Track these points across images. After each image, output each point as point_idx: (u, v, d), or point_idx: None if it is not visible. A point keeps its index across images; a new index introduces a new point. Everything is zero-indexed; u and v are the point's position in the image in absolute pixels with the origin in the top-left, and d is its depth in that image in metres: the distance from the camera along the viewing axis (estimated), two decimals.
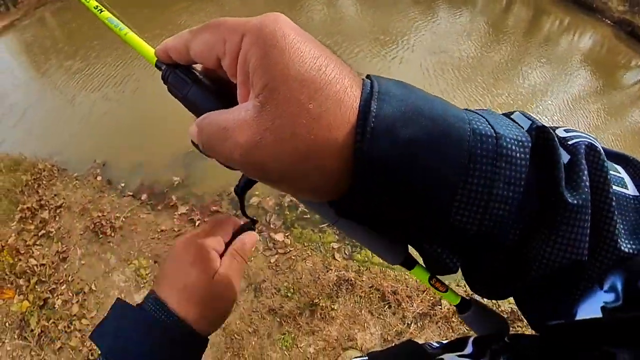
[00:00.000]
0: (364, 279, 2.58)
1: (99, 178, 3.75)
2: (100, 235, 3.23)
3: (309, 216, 3.04)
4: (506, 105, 4.18)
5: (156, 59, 0.32)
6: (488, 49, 4.93)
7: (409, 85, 0.26)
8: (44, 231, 3.36)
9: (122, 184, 3.64)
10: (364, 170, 0.23)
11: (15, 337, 2.81)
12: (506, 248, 0.27)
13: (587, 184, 0.26)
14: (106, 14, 0.40)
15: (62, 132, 4.51)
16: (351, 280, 2.55)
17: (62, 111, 4.91)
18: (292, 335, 2.41)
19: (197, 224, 3.25)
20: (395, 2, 6.01)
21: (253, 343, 2.43)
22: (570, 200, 0.25)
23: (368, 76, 0.26)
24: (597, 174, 0.27)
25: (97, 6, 0.41)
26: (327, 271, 2.66)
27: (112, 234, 3.23)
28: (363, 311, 2.45)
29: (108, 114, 4.57)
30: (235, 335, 2.47)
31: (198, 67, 0.32)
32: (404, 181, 0.23)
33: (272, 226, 3.07)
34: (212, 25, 0.26)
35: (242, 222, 0.50)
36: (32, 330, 2.73)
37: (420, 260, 0.34)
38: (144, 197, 3.49)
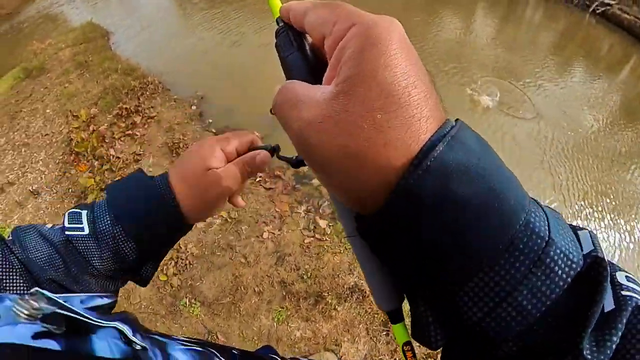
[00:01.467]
0: None
1: (193, 107, 4.00)
2: (174, 154, 3.42)
3: None
4: (597, 200, 3.75)
5: (278, 14, 0.35)
6: (611, 130, 4.46)
7: (487, 146, 0.25)
8: (131, 132, 3.64)
9: (210, 120, 3.84)
10: (399, 199, 0.23)
11: (72, 203, 3.04)
12: (497, 356, 0.24)
13: (615, 346, 0.22)
14: None
15: (176, 57, 4.92)
16: (365, 293, 2.45)
17: (181, 38, 5.39)
18: (288, 313, 2.40)
19: (256, 180, 3.31)
20: (533, 43, 5.62)
21: (252, 301, 2.46)
22: (586, 356, 0.21)
23: (457, 120, 0.26)
24: (633, 342, 0.22)
25: None
26: (349, 274, 2.58)
27: None
28: (361, 325, 2.35)
29: (223, 55, 4.89)
30: (242, 287, 2.52)
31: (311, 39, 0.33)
32: (433, 230, 0.22)
33: (320, 211, 3.04)
34: (332, 4, 0.27)
35: (262, 144, 0.55)
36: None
37: (408, 320, 0.31)
38: None
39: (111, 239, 0.48)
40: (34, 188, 3.43)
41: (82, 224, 0.48)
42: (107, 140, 3.52)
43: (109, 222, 0.48)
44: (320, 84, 0.27)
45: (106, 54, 5.51)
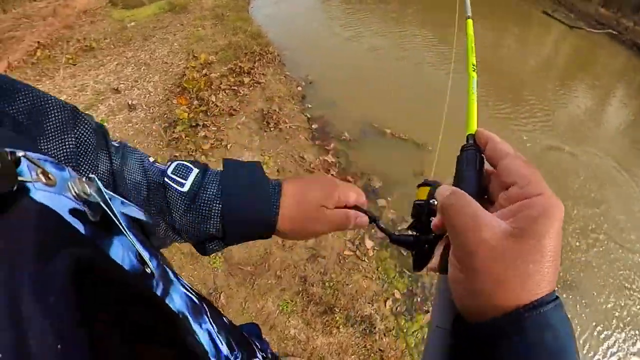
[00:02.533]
0: (383, 340, 2.29)
1: (299, 88, 4.06)
2: (263, 122, 3.48)
3: (405, 254, 2.77)
4: None
5: (473, 133, 0.42)
6: None
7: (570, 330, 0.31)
8: (236, 88, 3.77)
9: (309, 105, 3.86)
10: (511, 321, 0.30)
11: (161, 127, 3.21)
12: None
13: None
14: (474, 74, 0.54)
15: (303, 38, 5.08)
16: (377, 330, 2.29)
17: (314, 24, 5.56)
18: (294, 308, 2.32)
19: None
20: None
21: (269, 282, 2.42)
22: None
23: (557, 298, 0.31)
24: None
25: (474, 66, 0.56)
26: (368, 303, 2.43)
27: (271, 129, 3.44)
28: (354, 356, 2.21)
29: (347, 53, 4.94)
30: (267, 265, 2.49)
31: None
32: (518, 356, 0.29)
33: (372, 232, 2.89)
34: (533, 167, 0.35)
35: (366, 209, 0.58)
36: (172, 132, 3.09)
37: None
38: (314, 125, 3.64)
39: (206, 210, 0.49)
40: (132, 103, 3.71)
41: (186, 180, 0.50)
42: (212, 87, 3.68)
43: (213, 195, 0.50)
44: (477, 200, 0.34)
45: (242, 14, 5.86)
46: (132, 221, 0.41)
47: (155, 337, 0.34)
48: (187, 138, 3.14)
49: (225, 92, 3.67)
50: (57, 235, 0.27)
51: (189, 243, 0.55)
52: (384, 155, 3.51)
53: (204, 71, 3.83)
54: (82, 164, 0.42)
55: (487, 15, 6.42)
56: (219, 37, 4.90)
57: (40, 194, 0.28)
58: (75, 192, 0.31)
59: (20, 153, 0.27)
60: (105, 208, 0.33)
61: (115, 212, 0.33)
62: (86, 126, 0.44)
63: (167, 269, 0.43)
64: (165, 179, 0.49)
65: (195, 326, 0.42)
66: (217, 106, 3.46)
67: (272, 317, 2.28)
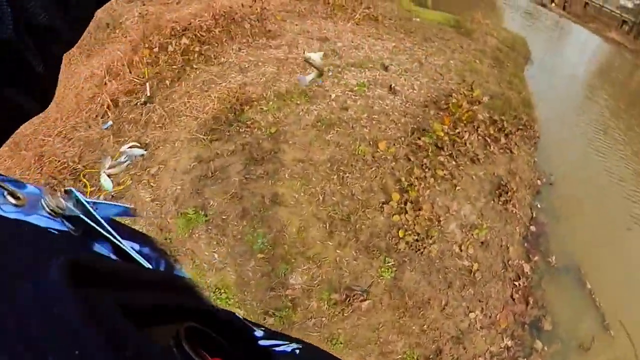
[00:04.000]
0: None
1: (538, 181, 3.67)
2: (495, 190, 3.20)
3: None
4: None
5: None
6: None
7: None
8: (488, 140, 3.54)
9: (538, 204, 3.45)
10: None
11: (408, 125, 3.15)
12: None
13: None
14: None
15: (567, 134, 4.57)
16: None
17: (590, 129, 4.94)
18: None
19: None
20: None
21: None
22: None
23: None
24: None
25: None
26: None
27: (499, 202, 3.15)
28: None
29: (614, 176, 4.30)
30: None
31: None
32: None
33: None
34: None
35: None
36: (416, 138, 3.02)
37: None
38: (532, 227, 3.23)
39: None
40: (395, 87, 3.77)
41: None
42: (472, 124, 3.51)
43: None
44: None
45: (519, 72, 5.56)
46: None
47: (166, 315, 0.31)
48: (426, 152, 3.05)
49: (479, 137, 3.47)
50: (41, 246, 0.28)
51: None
52: (575, 306, 2.96)
53: (472, 106, 3.67)
54: None
55: None
56: (492, 81, 4.70)
57: (11, 215, 0.28)
58: (49, 209, 0.31)
59: None
60: (88, 221, 0.33)
61: (104, 224, 0.34)
62: None
63: (169, 259, 0.44)
64: None
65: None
66: (464, 144, 3.29)
67: None
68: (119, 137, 3.17)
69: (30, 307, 0.21)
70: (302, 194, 2.68)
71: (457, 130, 3.31)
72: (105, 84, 3.56)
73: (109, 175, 2.89)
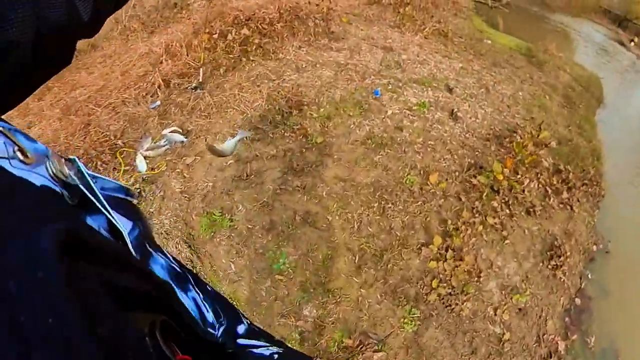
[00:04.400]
0: None
1: (594, 247, 3.16)
2: (546, 252, 2.75)
3: None
4: None
5: None
6: None
7: None
8: (548, 192, 3.06)
9: (589, 274, 2.97)
10: None
11: (464, 160, 2.76)
12: None
13: None
14: None
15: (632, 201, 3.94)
16: None
17: None
18: None
19: None
20: None
21: None
22: None
23: None
24: None
25: None
26: None
27: (548, 266, 2.70)
28: None
29: None
30: None
31: None
32: None
33: None
34: None
35: None
36: (471, 175, 2.63)
37: None
38: (577, 300, 2.76)
39: None
40: (457, 113, 3.35)
41: None
42: (534, 171, 3.05)
43: None
44: None
45: (589, 115, 4.91)
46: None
47: (144, 303, 0.31)
48: (479, 193, 2.65)
49: (539, 186, 3.01)
50: (40, 208, 0.27)
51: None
52: None
53: (537, 149, 3.20)
54: None
55: None
56: (561, 122, 4.15)
57: (16, 171, 0.28)
58: (52, 172, 0.30)
59: None
60: (87, 193, 0.32)
61: (101, 199, 0.33)
62: None
63: (146, 243, 0.42)
64: None
65: (180, 294, 0.41)
66: (523, 192, 2.85)
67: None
68: (164, 119, 3.00)
69: (15, 267, 0.20)
70: (336, 217, 2.38)
71: (518, 176, 2.86)
72: (161, 62, 3.40)
73: (145, 157, 2.72)
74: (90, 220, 0.33)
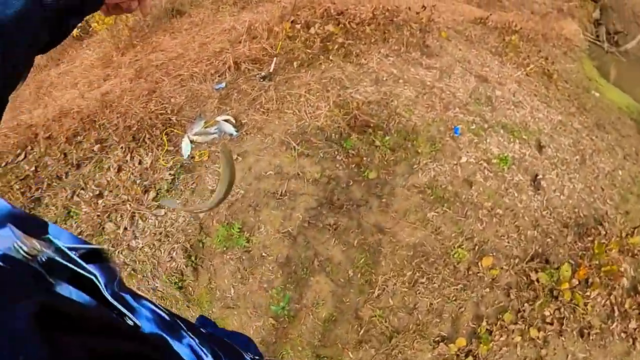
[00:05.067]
0: None
1: None
2: None
3: None
4: None
5: None
6: None
7: None
8: None
9: None
10: None
11: (533, 246, 2.16)
12: None
13: None
14: None
15: None
16: None
17: None
18: None
19: None
20: None
21: None
22: None
23: None
24: None
25: None
26: None
27: None
28: None
29: None
30: None
31: None
32: None
33: None
34: None
35: None
36: (530, 270, 2.03)
37: None
38: None
39: None
40: (539, 181, 2.68)
41: None
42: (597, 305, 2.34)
43: None
44: None
45: None
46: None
47: None
48: (534, 293, 2.06)
49: (606, 304, 2.32)
50: (14, 285, 0.25)
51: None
52: None
53: (621, 256, 2.47)
54: None
55: None
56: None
57: None
58: (24, 252, 0.28)
59: None
60: (73, 267, 0.31)
61: (81, 263, 0.32)
62: None
63: (127, 295, 0.39)
64: None
65: (174, 343, 0.39)
66: (584, 308, 2.20)
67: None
68: (223, 103, 2.72)
69: None
70: (358, 275, 1.97)
71: (587, 289, 2.21)
72: (240, 42, 3.08)
73: (191, 141, 2.47)
74: (60, 288, 0.30)
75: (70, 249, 0.31)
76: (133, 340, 0.31)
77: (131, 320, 0.35)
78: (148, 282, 1.98)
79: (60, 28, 0.47)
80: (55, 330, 0.21)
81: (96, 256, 0.38)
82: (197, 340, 0.42)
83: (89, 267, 0.32)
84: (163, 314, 0.41)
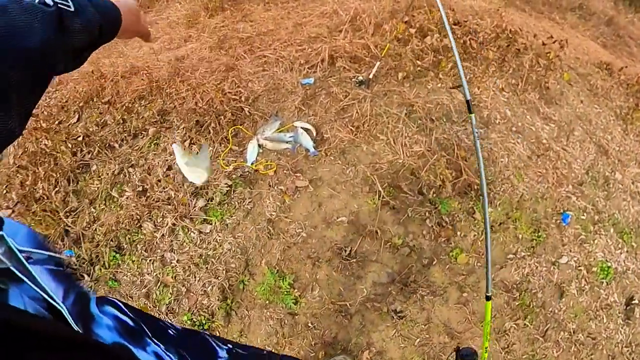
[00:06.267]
0: None
1: None
2: None
3: None
4: None
5: None
6: None
7: None
8: None
9: None
10: None
11: None
12: None
13: None
14: None
15: None
16: None
17: None
18: None
19: None
20: None
21: None
22: None
23: None
24: None
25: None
26: None
27: None
28: None
29: None
30: None
31: None
32: None
33: None
34: None
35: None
36: None
37: None
38: None
39: (91, 15, 0.46)
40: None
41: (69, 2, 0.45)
42: None
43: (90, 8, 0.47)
44: None
45: None
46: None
47: None
48: None
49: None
50: None
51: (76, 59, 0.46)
52: None
53: None
54: None
55: None
56: None
57: None
58: None
59: None
60: (18, 273, 0.28)
61: (29, 268, 0.29)
62: None
63: (88, 304, 0.36)
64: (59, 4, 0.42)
65: (138, 352, 0.36)
66: None
67: None
68: (306, 105, 2.03)
69: None
70: None
71: None
72: (340, 32, 2.30)
73: (260, 145, 1.85)
74: (15, 291, 0.28)
75: (22, 252, 0.29)
76: (93, 353, 0.28)
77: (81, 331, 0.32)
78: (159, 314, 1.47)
79: (76, 60, 0.45)
80: (10, 346, 0.19)
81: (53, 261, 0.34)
82: (162, 347, 0.39)
83: (42, 277, 0.29)
84: (127, 320, 0.38)
